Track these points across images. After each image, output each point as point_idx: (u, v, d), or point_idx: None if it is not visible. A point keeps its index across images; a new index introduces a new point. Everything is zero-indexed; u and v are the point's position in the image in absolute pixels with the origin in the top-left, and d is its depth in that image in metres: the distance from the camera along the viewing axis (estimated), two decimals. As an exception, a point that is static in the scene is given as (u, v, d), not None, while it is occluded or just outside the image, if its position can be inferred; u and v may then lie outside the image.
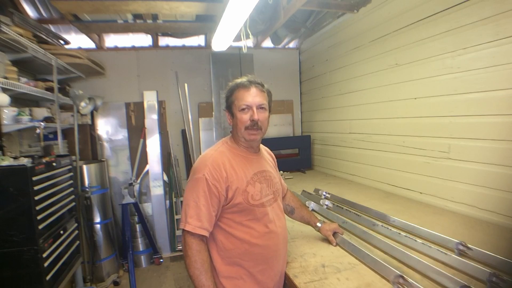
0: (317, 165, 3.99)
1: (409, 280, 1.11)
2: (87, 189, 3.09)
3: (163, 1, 2.70)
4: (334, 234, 1.58)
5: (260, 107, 1.25)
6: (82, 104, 3.03)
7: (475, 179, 1.83)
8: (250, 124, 1.24)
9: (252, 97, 1.24)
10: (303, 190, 2.56)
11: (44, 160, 2.00)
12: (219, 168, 1.20)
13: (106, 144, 3.88)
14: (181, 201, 3.82)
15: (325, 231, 1.60)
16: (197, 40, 4.14)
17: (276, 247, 1.28)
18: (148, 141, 3.68)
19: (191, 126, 3.93)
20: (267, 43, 4.27)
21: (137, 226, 3.60)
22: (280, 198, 1.43)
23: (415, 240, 1.44)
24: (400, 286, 1.12)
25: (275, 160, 1.56)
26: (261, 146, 1.48)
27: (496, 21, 1.64)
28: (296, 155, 4.05)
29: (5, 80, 2.08)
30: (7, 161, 1.89)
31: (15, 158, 2.04)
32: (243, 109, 1.24)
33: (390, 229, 1.61)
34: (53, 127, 2.78)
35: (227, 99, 1.31)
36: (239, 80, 1.29)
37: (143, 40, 3.97)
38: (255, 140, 1.29)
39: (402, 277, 1.13)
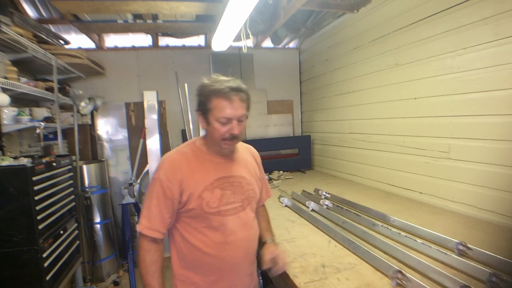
0: (317, 165, 3.99)
1: (407, 275, 1.12)
2: (87, 189, 3.09)
3: (163, 1, 2.69)
4: (274, 259, 1.27)
5: (240, 120, 1.16)
6: (82, 104, 3.03)
7: (475, 179, 1.83)
8: (229, 137, 1.15)
9: (234, 110, 1.12)
10: (303, 190, 2.56)
11: (44, 160, 2.00)
12: (175, 170, 1.15)
13: (106, 144, 3.88)
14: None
15: (265, 250, 1.30)
16: (197, 40, 4.14)
17: (232, 260, 1.20)
18: (148, 141, 3.68)
19: (191, 126, 3.92)
20: (267, 43, 4.27)
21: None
22: (252, 207, 1.30)
23: (415, 240, 1.44)
24: (398, 281, 1.13)
25: (259, 161, 1.43)
26: (241, 146, 1.37)
27: (496, 21, 1.64)
28: (296, 155, 4.05)
29: (5, 80, 2.08)
30: (7, 161, 1.89)
31: (15, 158, 2.04)
32: (222, 121, 1.13)
33: (390, 229, 1.61)
34: (53, 127, 2.78)
35: (202, 103, 1.16)
36: (218, 86, 1.12)
37: (143, 40, 3.97)
38: (230, 149, 1.22)
39: (401, 272, 1.13)
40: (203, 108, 1.16)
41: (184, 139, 4.06)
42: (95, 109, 3.28)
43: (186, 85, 3.83)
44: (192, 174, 1.16)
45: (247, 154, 1.37)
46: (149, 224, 1.14)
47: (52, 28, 3.34)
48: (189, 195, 1.14)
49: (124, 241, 3.28)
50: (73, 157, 2.86)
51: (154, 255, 1.16)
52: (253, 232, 1.28)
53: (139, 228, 1.16)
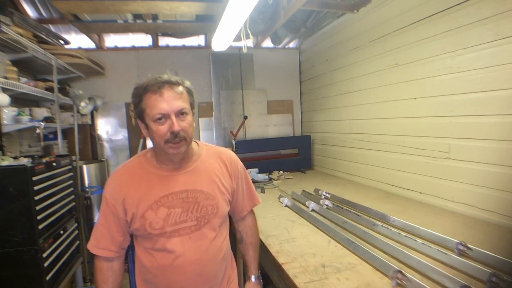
0: (317, 165, 3.99)
1: (407, 275, 1.12)
2: (87, 189, 3.09)
3: (163, 1, 2.69)
4: None
5: (180, 113, 1.00)
6: (82, 104, 3.03)
7: (475, 179, 1.83)
8: (170, 136, 0.99)
9: (168, 102, 0.98)
10: (303, 190, 2.56)
11: (44, 160, 2.00)
12: (118, 187, 1.07)
13: (106, 144, 3.88)
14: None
15: None
16: (197, 40, 4.14)
17: (180, 286, 1.09)
18: (148, 141, 3.68)
19: (191, 126, 3.94)
20: (267, 43, 4.27)
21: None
22: (213, 225, 1.13)
23: (415, 240, 1.44)
24: (398, 281, 1.13)
25: (235, 168, 1.24)
26: (210, 150, 1.22)
27: (496, 21, 1.64)
28: (296, 155, 4.04)
29: (5, 80, 2.08)
30: (7, 161, 1.89)
31: (15, 158, 2.04)
32: (159, 119, 0.99)
33: (390, 229, 1.61)
34: (53, 127, 2.78)
35: (136, 106, 1.04)
36: (146, 82, 1.02)
37: (143, 40, 3.97)
38: (178, 153, 1.04)
39: (401, 272, 1.13)
40: (139, 112, 1.04)
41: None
42: (95, 109, 3.28)
43: (186, 85, 3.84)
44: (135, 191, 1.06)
45: (214, 161, 1.19)
46: (96, 242, 1.10)
47: (52, 28, 3.34)
48: (132, 215, 1.05)
49: (124, 241, 3.28)
50: (73, 157, 2.85)
51: (106, 275, 1.11)
52: (210, 254, 1.11)
53: (87, 245, 1.12)
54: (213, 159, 1.19)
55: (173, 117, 0.99)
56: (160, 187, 1.07)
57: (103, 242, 1.09)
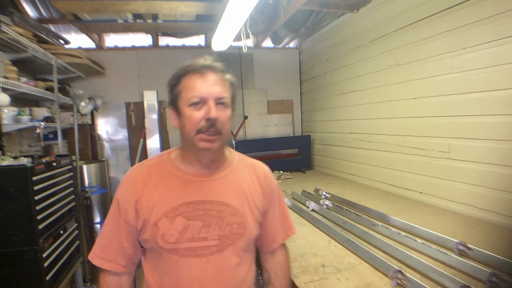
0: (317, 165, 3.99)
1: (408, 275, 1.12)
2: (87, 189, 3.09)
3: (163, 1, 2.69)
4: None
5: (219, 102, 0.86)
6: (82, 104, 3.03)
7: (475, 179, 1.83)
8: (205, 124, 0.84)
9: (209, 86, 0.85)
10: (303, 190, 2.56)
11: (44, 160, 2.00)
12: (134, 187, 0.89)
13: (106, 144, 3.88)
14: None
15: None
16: (197, 40, 4.14)
17: None
18: (148, 141, 3.69)
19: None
20: (267, 43, 4.27)
21: (137, 226, 3.60)
22: (237, 248, 0.91)
23: (415, 240, 1.44)
24: (398, 281, 1.13)
25: (270, 188, 1.01)
26: (242, 159, 1.03)
27: (496, 21, 1.64)
28: (296, 155, 4.05)
29: (5, 79, 2.08)
30: (7, 161, 1.89)
31: (15, 158, 2.03)
32: (195, 104, 0.84)
33: (390, 229, 1.61)
34: (53, 127, 2.78)
35: (172, 89, 0.92)
36: (189, 63, 0.90)
37: (143, 40, 3.97)
38: (210, 149, 0.86)
39: (401, 272, 1.14)
40: (173, 97, 0.91)
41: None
42: (95, 109, 3.28)
43: (186, 85, 3.84)
44: (151, 194, 0.88)
45: (246, 172, 0.99)
46: (101, 253, 0.91)
47: (52, 27, 3.33)
48: (144, 221, 0.87)
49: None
50: (73, 157, 2.85)
51: None
52: (231, 284, 0.91)
53: (89, 256, 0.93)
54: (245, 170, 1.00)
55: (212, 103, 0.84)
56: (181, 193, 0.89)
57: (110, 253, 0.91)
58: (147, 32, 3.85)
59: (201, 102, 0.85)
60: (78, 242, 2.42)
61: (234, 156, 1.02)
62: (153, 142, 3.68)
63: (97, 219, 3.20)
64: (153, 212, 0.86)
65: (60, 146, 2.84)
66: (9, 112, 2.29)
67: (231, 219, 0.90)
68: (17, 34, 2.15)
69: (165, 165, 0.93)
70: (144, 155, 3.75)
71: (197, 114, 0.84)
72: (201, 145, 0.85)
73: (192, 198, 0.88)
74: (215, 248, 0.87)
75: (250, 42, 4.01)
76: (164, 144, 3.89)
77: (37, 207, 1.78)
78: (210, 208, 0.88)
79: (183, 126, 0.88)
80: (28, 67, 2.81)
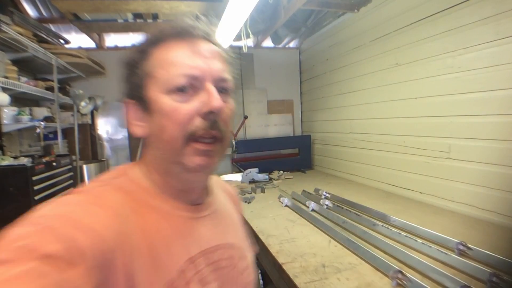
0: (318, 165, 3.99)
1: (408, 275, 1.12)
2: (87, 189, 3.09)
3: (163, 1, 2.69)
4: None
5: (222, 88, 0.54)
6: (82, 103, 3.03)
7: (475, 179, 1.83)
8: (203, 124, 0.51)
9: (204, 58, 0.53)
10: (303, 190, 2.56)
11: (44, 160, 2.00)
12: (100, 235, 0.42)
13: (106, 144, 3.88)
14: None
15: None
16: (197, 40, 4.14)
17: None
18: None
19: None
20: (268, 42, 4.26)
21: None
22: None
23: (415, 240, 1.44)
24: (399, 281, 1.13)
25: (240, 204, 0.81)
26: (213, 181, 0.68)
27: (497, 20, 1.64)
28: (296, 155, 4.05)
29: (5, 79, 2.08)
30: (7, 161, 1.89)
31: (15, 157, 2.04)
32: (181, 89, 0.51)
33: (391, 229, 1.61)
34: (53, 127, 2.78)
35: (131, 70, 0.57)
36: (165, 24, 0.58)
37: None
38: (207, 168, 0.54)
39: (401, 272, 1.14)
40: (135, 83, 0.55)
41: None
42: (95, 108, 3.28)
43: (186, 84, 3.84)
44: (136, 251, 0.46)
45: (222, 195, 0.71)
46: None
47: (52, 27, 3.33)
48: None
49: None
50: (73, 157, 2.85)
51: None
52: None
53: None
54: (220, 192, 0.72)
55: (211, 86, 0.51)
56: (180, 243, 0.53)
57: None
58: (147, 31, 3.85)
59: (193, 86, 0.51)
60: (78, 241, 2.42)
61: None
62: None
63: (97, 218, 3.20)
64: (153, 283, 0.47)
65: (60, 146, 2.84)
66: (9, 112, 2.29)
67: (242, 264, 0.63)
68: (17, 34, 2.15)
69: (137, 196, 0.53)
70: (144, 154, 3.75)
71: (187, 107, 0.50)
72: (195, 162, 0.51)
73: (197, 248, 0.55)
74: None
75: (250, 42, 4.01)
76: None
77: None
78: (220, 258, 0.58)
79: (158, 131, 0.51)
80: (28, 66, 2.81)
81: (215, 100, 0.50)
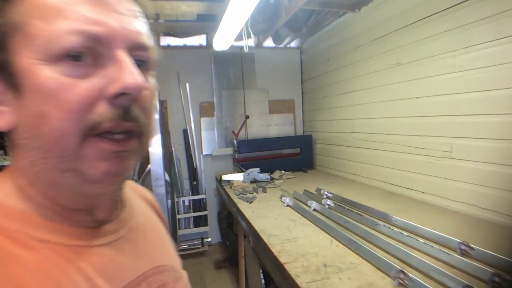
0: (319, 164, 3.99)
1: (410, 275, 1.12)
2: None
3: (164, 1, 2.70)
4: None
5: (140, 57, 0.38)
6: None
7: (477, 178, 1.83)
8: (114, 112, 0.34)
9: (117, 15, 0.35)
10: (305, 190, 2.56)
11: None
12: None
13: None
14: (183, 201, 3.84)
15: None
16: (199, 40, 4.14)
17: None
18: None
19: (192, 125, 3.94)
20: (269, 42, 4.27)
21: (139, 225, 3.60)
22: None
23: (417, 240, 1.44)
24: (400, 281, 1.13)
25: (161, 209, 0.67)
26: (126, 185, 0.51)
27: (497, 20, 1.63)
28: (298, 154, 4.05)
29: None
30: (9, 161, 1.90)
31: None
32: (75, 56, 0.32)
33: (392, 229, 1.61)
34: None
35: None
36: None
37: (144, 40, 3.97)
38: (121, 173, 0.38)
39: (403, 272, 1.14)
40: None
41: (186, 138, 4.06)
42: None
43: (187, 84, 3.85)
44: None
45: (139, 202, 0.58)
46: None
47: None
48: None
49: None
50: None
51: None
52: None
53: None
54: (138, 200, 0.58)
55: (124, 55, 0.35)
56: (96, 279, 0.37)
57: None
58: (148, 32, 3.86)
59: (94, 52, 0.34)
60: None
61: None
62: (154, 142, 3.68)
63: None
64: None
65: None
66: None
67: (179, 287, 0.51)
68: None
69: (11, 231, 0.34)
70: (146, 155, 3.76)
71: (83, 86, 0.33)
72: (100, 169, 0.35)
73: (128, 279, 0.41)
74: None
75: (251, 42, 4.01)
76: (166, 144, 3.90)
77: (40, 207, 1.79)
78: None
79: (35, 121, 0.33)
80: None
81: (130, 75, 0.34)
